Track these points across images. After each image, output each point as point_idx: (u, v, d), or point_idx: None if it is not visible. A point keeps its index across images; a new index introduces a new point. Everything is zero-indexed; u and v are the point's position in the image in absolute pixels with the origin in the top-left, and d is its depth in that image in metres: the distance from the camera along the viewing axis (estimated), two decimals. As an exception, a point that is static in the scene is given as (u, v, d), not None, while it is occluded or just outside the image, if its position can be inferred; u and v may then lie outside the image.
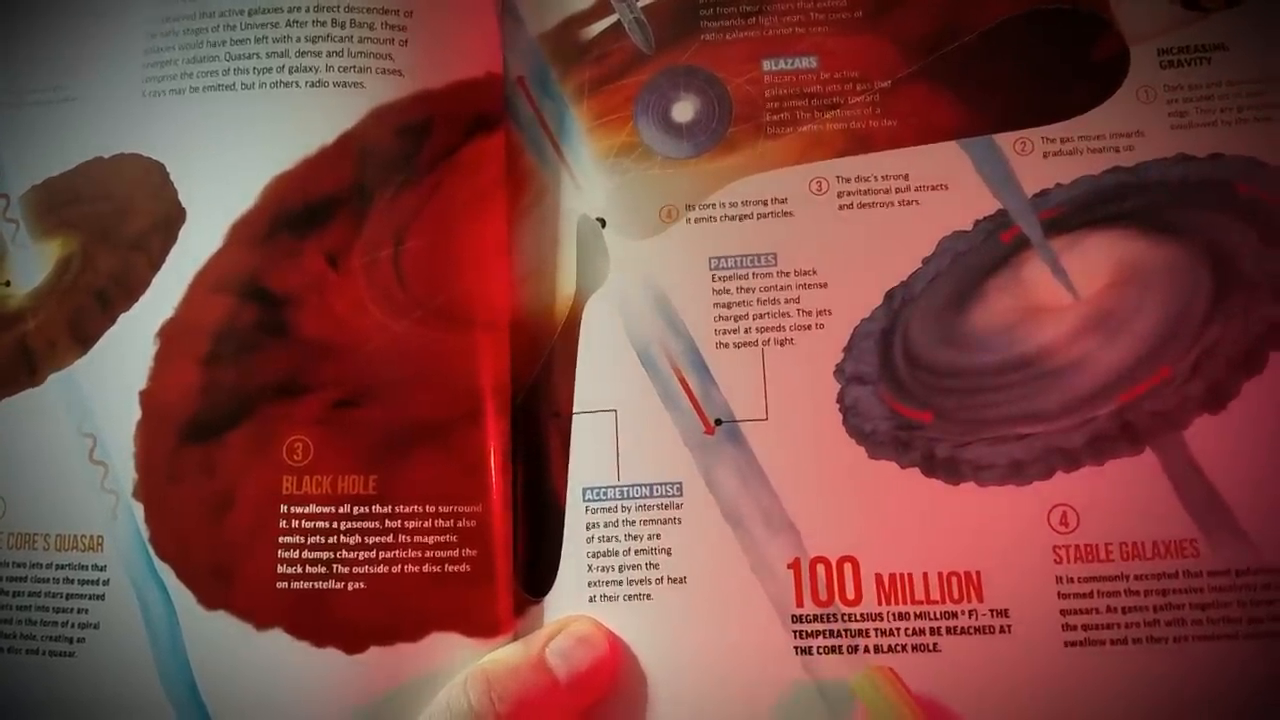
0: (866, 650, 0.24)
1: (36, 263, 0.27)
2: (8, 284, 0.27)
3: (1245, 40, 0.27)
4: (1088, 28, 0.27)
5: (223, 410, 0.25)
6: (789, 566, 0.24)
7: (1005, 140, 0.26)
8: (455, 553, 0.24)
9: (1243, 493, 0.24)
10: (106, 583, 0.25)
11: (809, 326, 0.26)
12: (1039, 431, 0.24)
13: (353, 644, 0.24)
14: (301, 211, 0.26)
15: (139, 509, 0.25)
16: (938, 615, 0.24)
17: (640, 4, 0.28)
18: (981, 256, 0.26)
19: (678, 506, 0.25)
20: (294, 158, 0.26)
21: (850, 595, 0.24)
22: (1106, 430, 0.24)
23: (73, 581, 0.25)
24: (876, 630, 0.24)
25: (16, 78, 0.28)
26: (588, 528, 0.25)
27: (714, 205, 0.27)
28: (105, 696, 0.24)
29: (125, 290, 0.26)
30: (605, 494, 0.25)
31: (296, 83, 0.26)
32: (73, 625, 0.25)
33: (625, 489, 0.25)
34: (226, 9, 0.27)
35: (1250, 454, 0.24)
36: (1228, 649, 0.23)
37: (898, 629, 0.24)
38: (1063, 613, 0.23)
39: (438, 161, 0.26)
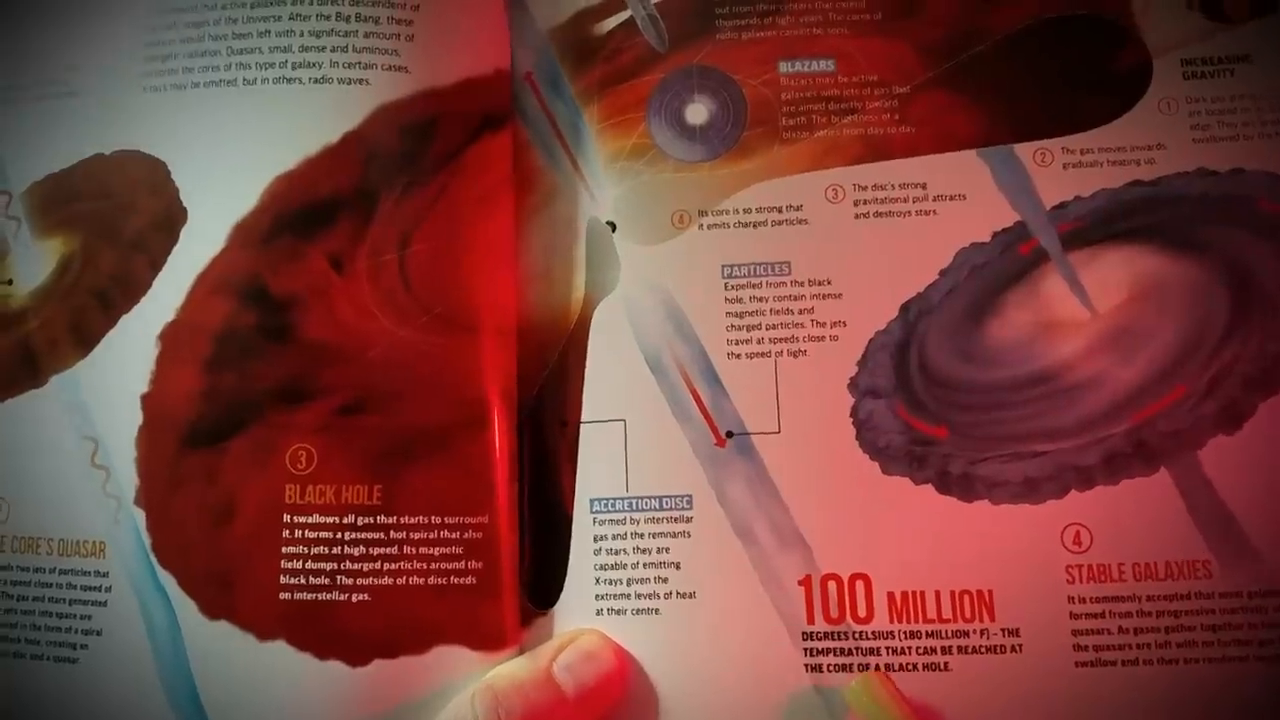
0: (877, 669, 0.22)
1: (38, 261, 0.25)
2: (10, 283, 0.25)
3: (1270, 53, 0.25)
4: (1110, 36, 0.25)
5: (225, 416, 0.23)
6: (800, 583, 0.23)
7: (1025, 150, 0.24)
8: (461, 564, 0.23)
9: (1257, 514, 0.22)
10: (109, 589, 0.23)
11: (823, 338, 0.24)
12: (1054, 449, 0.23)
13: (356, 656, 0.22)
14: (304, 212, 0.24)
15: (140, 515, 0.23)
16: (949, 634, 0.22)
17: (654, 0, 0.26)
18: (999, 269, 0.24)
19: (687, 520, 0.23)
20: (297, 157, 0.24)
21: (862, 613, 0.23)
22: (1121, 449, 0.23)
23: (75, 587, 0.24)
24: (888, 649, 0.22)
25: (16, 73, 0.26)
26: (595, 539, 0.24)
27: (727, 211, 0.25)
28: (108, 704, 0.23)
29: (126, 291, 0.24)
30: (613, 505, 0.24)
31: (300, 79, 0.24)
32: (76, 631, 0.23)
33: (634, 501, 0.24)
34: (228, 2, 0.25)
35: (1265, 475, 0.22)
36: (1239, 671, 0.22)
37: (909, 648, 0.22)
38: (1074, 633, 0.22)
39: (444, 162, 0.24)
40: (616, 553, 0.23)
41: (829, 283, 0.24)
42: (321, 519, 0.23)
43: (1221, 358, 0.23)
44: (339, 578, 0.22)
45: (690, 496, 0.23)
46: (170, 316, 0.24)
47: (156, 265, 0.24)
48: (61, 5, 0.26)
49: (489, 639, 0.23)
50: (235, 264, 0.24)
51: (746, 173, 0.25)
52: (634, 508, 0.24)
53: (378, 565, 0.23)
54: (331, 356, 0.23)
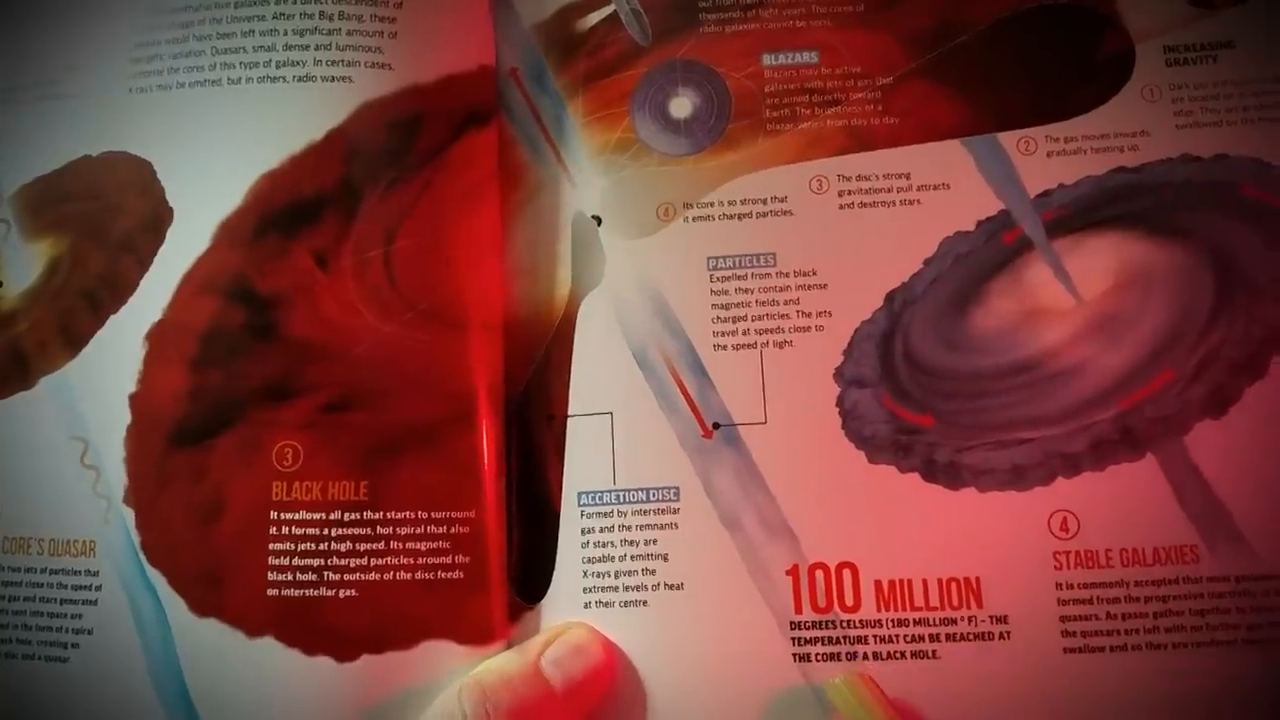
0: (865, 657, 0.22)
1: (28, 263, 0.25)
2: (0, 285, 0.25)
3: (1253, 38, 0.25)
4: (1093, 24, 0.25)
5: (212, 414, 0.23)
6: (787, 573, 0.23)
7: (1008, 139, 0.24)
8: (448, 559, 0.23)
9: (1243, 498, 0.22)
10: (99, 588, 0.23)
11: (808, 328, 0.24)
12: (1040, 436, 0.23)
13: (344, 652, 0.22)
14: (289, 210, 0.24)
15: (130, 514, 0.23)
16: (937, 622, 0.22)
17: (637, -4, 0.26)
18: (983, 258, 0.24)
19: (675, 511, 0.23)
20: (281, 155, 0.24)
21: (849, 602, 0.22)
22: (1108, 435, 0.22)
23: (66, 587, 0.23)
24: (875, 637, 0.22)
25: (4, 75, 0.26)
26: (583, 533, 0.23)
27: (712, 204, 0.25)
28: (99, 702, 0.23)
29: (114, 292, 0.24)
30: (601, 498, 0.24)
31: (284, 77, 0.24)
32: (67, 631, 0.23)
33: (621, 493, 0.23)
34: (213, 2, 0.25)
35: (1251, 459, 0.22)
36: (1227, 655, 0.21)
37: (896, 636, 0.22)
38: (1062, 619, 0.22)
39: (428, 158, 0.24)
40: (604, 545, 0.23)
41: (814, 273, 0.24)
42: (308, 515, 0.23)
43: (1207, 343, 0.23)
44: (326, 574, 0.22)
45: (677, 488, 0.23)
46: (157, 316, 0.24)
47: (144, 265, 0.24)
48: (47, 8, 0.26)
49: (477, 633, 0.23)
50: (221, 263, 0.24)
51: (731, 165, 0.25)
52: (621, 500, 0.23)
53: (365, 561, 0.23)
54: (317, 353, 0.23)
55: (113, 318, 0.24)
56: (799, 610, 0.22)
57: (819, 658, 0.22)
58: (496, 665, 0.22)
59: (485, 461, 0.24)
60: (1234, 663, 0.21)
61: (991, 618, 0.22)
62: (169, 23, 0.25)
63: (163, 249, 0.24)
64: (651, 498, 0.23)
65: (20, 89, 0.26)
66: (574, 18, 0.26)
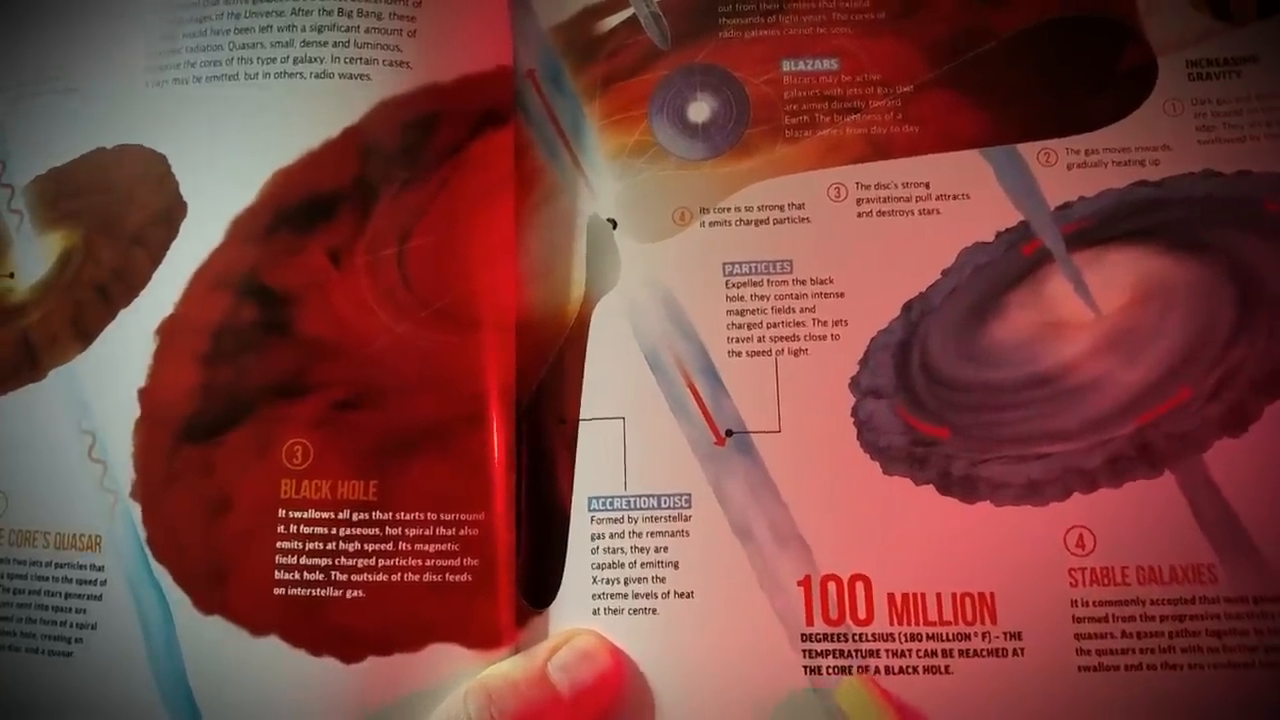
0: (877, 671, 0.22)
1: (40, 255, 0.25)
2: (11, 276, 0.25)
3: (1276, 53, 0.24)
4: (1115, 36, 0.24)
5: (222, 410, 0.23)
6: (799, 584, 0.22)
7: (1029, 150, 0.24)
8: (456, 562, 0.22)
9: (1262, 518, 0.22)
10: (104, 583, 0.23)
11: (824, 337, 0.23)
12: (1057, 451, 0.22)
13: (350, 653, 0.22)
14: (304, 207, 0.23)
15: (136, 509, 0.23)
16: (950, 637, 0.22)
17: None
18: (1002, 269, 0.23)
19: (686, 519, 0.23)
20: (297, 151, 0.23)
21: (862, 615, 0.22)
22: (1125, 451, 0.22)
23: (71, 581, 0.23)
24: (888, 651, 0.22)
25: (20, 67, 0.26)
26: (593, 538, 0.23)
27: (729, 209, 0.24)
28: (101, 698, 0.22)
29: (126, 285, 0.24)
30: (611, 504, 0.23)
31: (301, 74, 0.24)
32: (71, 625, 0.23)
33: (632, 499, 0.23)
34: (231, -4, 0.25)
35: (1271, 478, 0.22)
36: (1244, 677, 0.21)
37: (909, 650, 0.22)
38: (1077, 636, 0.21)
39: (445, 157, 0.24)
40: (614, 551, 0.23)
41: (831, 281, 0.24)
42: (317, 514, 0.22)
43: (1228, 360, 0.22)
44: (334, 574, 0.22)
45: (689, 495, 0.23)
46: (169, 311, 0.23)
47: (156, 259, 0.24)
48: (64, 2, 0.26)
49: (484, 637, 0.22)
50: (234, 259, 0.23)
51: (748, 171, 0.25)
52: (632, 506, 0.23)
53: (373, 561, 0.22)
54: (329, 351, 0.23)
55: (124, 311, 0.24)
56: (810, 622, 0.22)
57: (830, 670, 0.22)
58: (503, 670, 0.21)
59: (495, 464, 0.23)
60: (1250, 685, 0.21)
61: (1005, 634, 0.22)
62: (187, 17, 0.25)
63: (176, 243, 0.24)
64: (663, 504, 0.23)
65: (36, 82, 0.26)
66: (593, 20, 0.26)
